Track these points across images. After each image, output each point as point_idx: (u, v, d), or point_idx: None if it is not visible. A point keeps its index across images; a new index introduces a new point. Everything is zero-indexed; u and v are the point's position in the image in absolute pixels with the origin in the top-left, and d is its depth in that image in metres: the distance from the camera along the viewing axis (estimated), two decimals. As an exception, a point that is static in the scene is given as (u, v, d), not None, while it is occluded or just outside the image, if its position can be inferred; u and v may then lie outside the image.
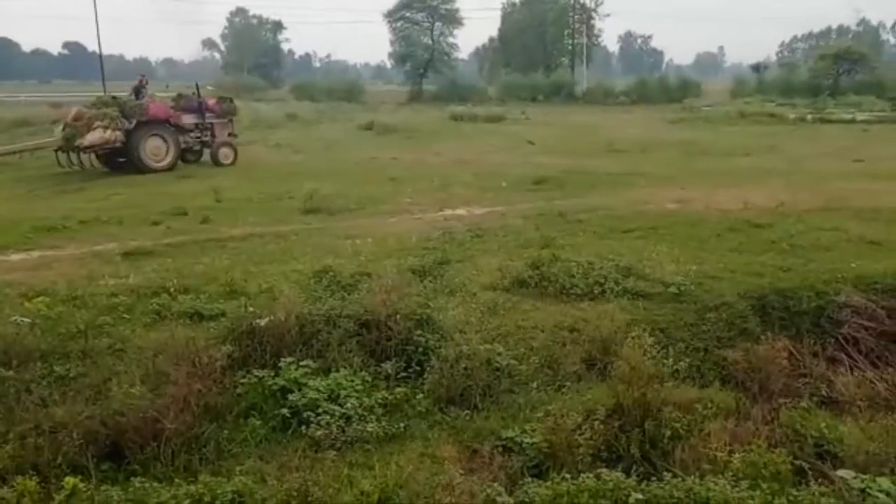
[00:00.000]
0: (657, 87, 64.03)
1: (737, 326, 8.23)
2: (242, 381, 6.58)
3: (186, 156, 21.04)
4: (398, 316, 7.42)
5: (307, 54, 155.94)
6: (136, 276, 9.06)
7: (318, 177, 17.11)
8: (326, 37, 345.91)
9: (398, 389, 6.66)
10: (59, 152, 18.83)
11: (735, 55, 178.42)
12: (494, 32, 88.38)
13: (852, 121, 36.26)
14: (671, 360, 7.01)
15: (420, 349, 7.19)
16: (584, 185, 16.47)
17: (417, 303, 7.84)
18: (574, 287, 8.73)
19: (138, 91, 21.51)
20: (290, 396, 6.33)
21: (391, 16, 75.63)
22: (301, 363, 6.73)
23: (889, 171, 18.14)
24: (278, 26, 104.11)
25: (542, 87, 64.15)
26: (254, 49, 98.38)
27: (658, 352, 6.84)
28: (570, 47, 78.59)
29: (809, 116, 37.73)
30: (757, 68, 73.57)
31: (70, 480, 4.94)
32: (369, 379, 6.77)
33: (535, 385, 7.01)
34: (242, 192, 15.52)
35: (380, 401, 6.44)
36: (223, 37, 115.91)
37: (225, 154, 20.89)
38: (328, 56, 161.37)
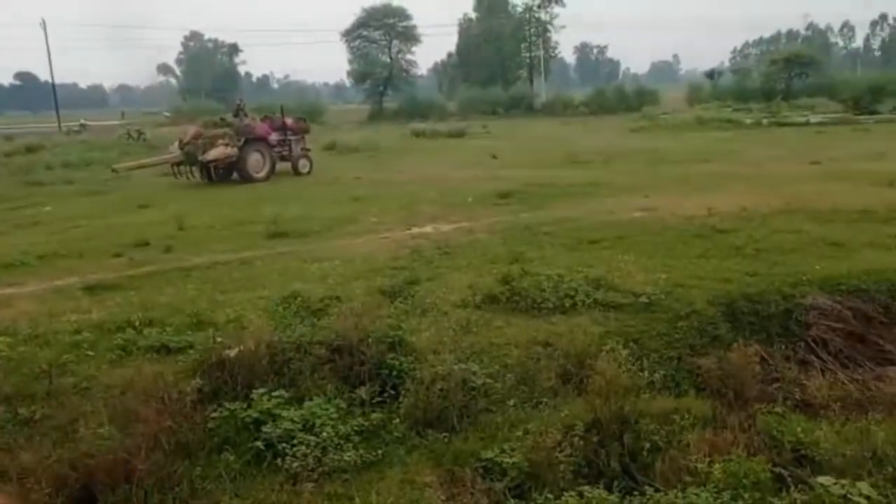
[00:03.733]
0: (615, 96, 65.13)
1: (708, 333, 8.29)
2: (214, 415, 6.42)
3: None
4: (370, 339, 7.31)
5: (265, 76, 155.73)
6: (100, 310, 8.82)
7: (281, 200, 16.96)
8: (284, 57, 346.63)
9: (374, 415, 6.54)
10: (177, 167, 22.04)
11: (689, 62, 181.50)
12: (452, 48, 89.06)
13: (807, 123, 37.09)
14: (646, 371, 7.02)
15: (394, 372, 7.08)
16: (548, 198, 16.49)
17: (389, 325, 7.74)
18: (545, 301, 8.68)
19: (237, 113, 24.27)
20: (264, 428, 6.19)
21: (348, 35, 75.99)
22: (273, 393, 6.58)
23: (845, 171, 18.55)
24: (234, 49, 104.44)
25: (502, 100, 64.71)
26: (210, 73, 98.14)
27: (633, 363, 6.84)
28: (527, 60, 79.49)
29: (765, 120, 38.48)
30: (711, 75, 75.18)
31: (40, 529, 4.77)
32: (344, 406, 6.64)
33: (511, 403, 6.93)
34: (205, 219, 15.28)
35: (356, 428, 6.32)
36: (178, 61, 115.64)
37: (303, 164, 23.96)
38: (286, 77, 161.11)
